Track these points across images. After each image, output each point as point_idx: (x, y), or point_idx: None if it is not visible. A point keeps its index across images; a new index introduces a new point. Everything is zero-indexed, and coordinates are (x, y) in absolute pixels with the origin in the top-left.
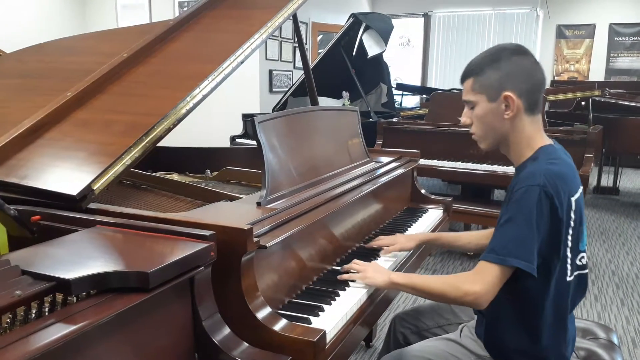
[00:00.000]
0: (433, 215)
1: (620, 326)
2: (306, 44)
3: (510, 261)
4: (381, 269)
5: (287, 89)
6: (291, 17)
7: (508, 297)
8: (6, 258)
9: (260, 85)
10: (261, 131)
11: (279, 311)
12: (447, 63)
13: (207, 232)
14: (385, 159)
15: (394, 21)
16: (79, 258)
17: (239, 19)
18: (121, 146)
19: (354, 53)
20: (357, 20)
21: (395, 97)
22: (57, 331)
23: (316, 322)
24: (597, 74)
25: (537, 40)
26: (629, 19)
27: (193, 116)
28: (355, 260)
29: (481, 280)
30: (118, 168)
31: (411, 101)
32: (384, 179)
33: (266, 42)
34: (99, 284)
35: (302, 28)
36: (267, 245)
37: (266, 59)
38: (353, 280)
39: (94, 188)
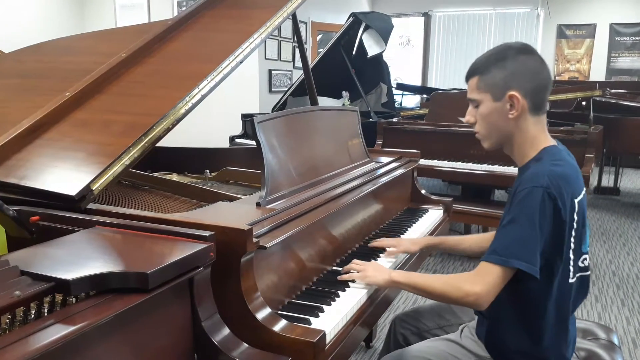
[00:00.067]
0: (433, 215)
1: (621, 327)
2: (306, 43)
3: (512, 262)
4: (381, 268)
5: (286, 89)
6: (291, 17)
7: (510, 298)
8: (5, 259)
9: (260, 85)
10: (261, 131)
11: (279, 312)
12: (447, 63)
13: (206, 233)
14: (385, 159)
15: (394, 21)
16: (78, 258)
17: (238, 18)
18: (120, 146)
19: (353, 53)
20: (356, 20)
21: (395, 97)
22: (57, 332)
23: (316, 323)
24: (597, 73)
25: (537, 40)
26: (630, 18)
27: (192, 116)
28: (355, 261)
29: (482, 281)
30: (117, 168)
31: (411, 101)
32: (384, 179)
33: (265, 42)
34: (98, 285)
35: (302, 27)
36: (267, 245)
37: (265, 58)
38: (353, 281)
39: (93, 188)
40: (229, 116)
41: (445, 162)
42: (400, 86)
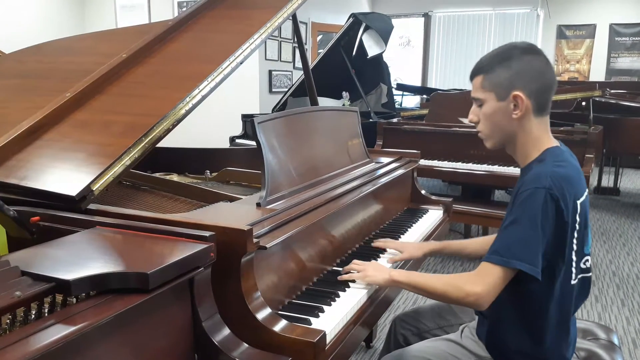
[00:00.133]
0: (433, 215)
1: (621, 327)
2: (306, 44)
3: (514, 263)
4: (381, 268)
5: (286, 89)
6: (291, 17)
7: (511, 299)
8: (6, 259)
9: (260, 86)
10: (261, 132)
11: (279, 312)
12: (447, 63)
13: (206, 233)
14: (385, 160)
15: (394, 21)
16: (78, 259)
17: (238, 19)
18: (120, 147)
19: (353, 53)
20: (357, 20)
21: (395, 97)
22: (57, 332)
23: (316, 323)
24: (597, 74)
25: (537, 41)
26: (630, 19)
27: (192, 117)
28: (355, 261)
29: (483, 282)
30: (117, 169)
31: (411, 101)
32: (384, 180)
33: (266, 42)
34: (98, 285)
35: (302, 28)
36: (267, 246)
37: (266, 59)
38: (353, 281)
39: (94, 189)
40: (229, 116)
41: (445, 162)
42: (400, 87)
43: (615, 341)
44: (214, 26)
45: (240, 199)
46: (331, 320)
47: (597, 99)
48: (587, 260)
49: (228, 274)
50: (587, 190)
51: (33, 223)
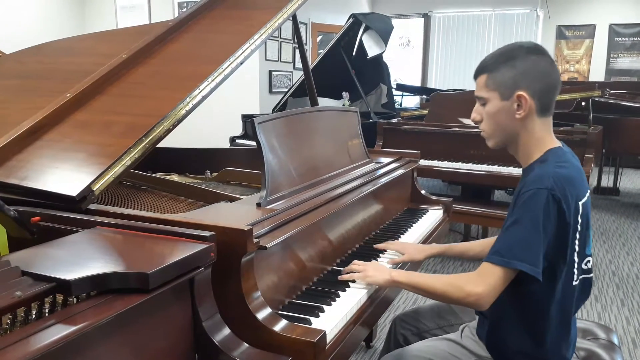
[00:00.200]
0: (433, 216)
1: (621, 326)
2: (306, 44)
3: (515, 264)
4: (382, 268)
5: (286, 90)
6: (291, 18)
7: (512, 299)
8: (6, 259)
9: (260, 86)
10: (261, 132)
11: (279, 312)
12: (447, 63)
13: (207, 233)
14: (385, 160)
15: (394, 21)
16: (79, 259)
17: (238, 19)
18: (121, 147)
19: (353, 54)
20: (356, 21)
21: (395, 97)
22: (57, 332)
23: (316, 323)
24: (597, 74)
25: (537, 41)
26: (629, 19)
27: (193, 117)
28: (356, 261)
29: (484, 282)
30: (118, 169)
31: (411, 102)
32: (384, 180)
33: (266, 43)
34: (99, 285)
35: (302, 29)
36: (267, 246)
37: (266, 59)
38: (353, 281)
39: (94, 189)
40: (230, 117)
41: (445, 162)
42: (400, 87)
43: (615, 341)
44: (214, 27)
45: (241, 199)
46: (331, 320)
47: (597, 99)
48: (589, 261)
49: (228, 274)
50: (588, 191)
51: (33, 223)
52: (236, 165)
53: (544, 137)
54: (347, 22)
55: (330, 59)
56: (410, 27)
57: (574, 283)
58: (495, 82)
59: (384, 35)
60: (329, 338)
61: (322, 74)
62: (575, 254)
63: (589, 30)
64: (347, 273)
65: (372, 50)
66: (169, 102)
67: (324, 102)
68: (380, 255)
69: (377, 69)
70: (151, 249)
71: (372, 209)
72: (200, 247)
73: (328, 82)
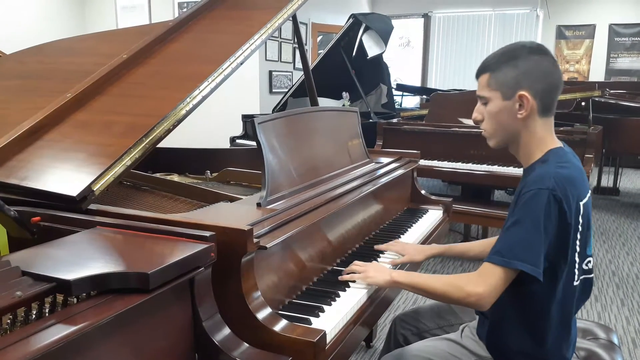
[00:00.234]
0: (433, 216)
1: (621, 326)
2: (306, 44)
3: (516, 264)
4: (382, 269)
5: (287, 90)
6: (291, 18)
7: (513, 299)
8: (6, 259)
9: (260, 86)
10: (261, 132)
11: (279, 312)
12: (447, 64)
13: (207, 233)
14: (385, 160)
15: (394, 22)
16: (79, 259)
17: (238, 19)
18: (121, 147)
19: (353, 54)
20: (356, 21)
21: (395, 97)
22: (58, 332)
23: (316, 323)
24: (597, 74)
25: (537, 41)
26: (629, 19)
27: (193, 117)
28: (356, 262)
29: (484, 282)
30: (118, 169)
31: (411, 102)
32: (384, 180)
33: (266, 43)
34: (99, 285)
35: (302, 29)
36: (267, 246)
37: (266, 59)
38: (353, 281)
39: (94, 189)
40: (230, 117)
41: (445, 162)
42: (400, 87)
43: (615, 341)
44: (215, 27)
45: (241, 199)
46: (331, 320)
47: (597, 99)
48: (589, 261)
49: (228, 274)
50: (589, 191)
51: (34, 223)
52: (236, 165)
53: (545, 137)
54: (347, 22)
55: (330, 59)
56: (410, 27)
57: (575, 283)
58: (498, 82)
59: (384, 35)
60: (329, 338)
61: (322, 74)
62: (576, 255)
63: (589, 30)
64: (347, 274)
65: (372, 50)
66: (169, 102)
67: (324, 102)
68: (380, 255)
69: (377, 69)
70: (151, 249)
71: (372, 209)
72: (200, 247)
73: (328, 82)
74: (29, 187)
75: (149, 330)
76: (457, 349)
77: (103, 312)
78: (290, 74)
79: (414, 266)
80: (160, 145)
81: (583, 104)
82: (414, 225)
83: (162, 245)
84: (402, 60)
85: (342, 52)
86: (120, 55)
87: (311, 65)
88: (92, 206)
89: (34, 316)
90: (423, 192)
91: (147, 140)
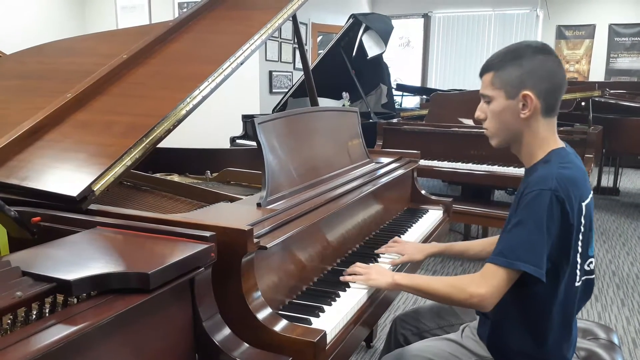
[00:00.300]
0: (433, 216)
1: (621, 326)
2: (306, 44)
3: (519, 265)
4: (384, 271)
5: (287, 90)
6: (291, 18)
7: (515, 300)
8: (7, 259)
9: (260, 86)
10: (261, 132)
11: (280, 312)
12: (447, 64)
13: (207, 233)
14: (385, 160)
15: (394, 22)
16: (79, 259)
17: (238, 20)
18: (121, 147)
19: (353, 54)
20: (356, 21)
21: (395, 97)
22: (58, 332)
23: (316, 323)
24: (597, 74)
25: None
26: (629, 19)
27: (193, 117)
28: (358, 264)
29: (487, 283)
30: (118, 169)
31: (411, 102)
32: (384, 180)
33: (266, 43)
34: (99, 285)
35: (302, 29)
36: (267, 246)
37: (266, 60)
38: (355, 282)
39: (94, 189)
40: (230, 117)
41: (445, 162)
42: (400, 87)
43: (615, 341)
44: (215, 27)
45: (241, 199)
46: (331, 320)
47: (597, 99)
48: (591, 262)
49: (228, 274)
50: (591, 192)
51: (34, 223)
52: (236, 165)
53: (547, 138)
54: (347, 22)
55: (330, 59)
56: (410, 27)
57: (577, 284)
58: (501, 81)
59: (384, 35)
60: (329, 338)
61: (322, 74)
62: (578, 255)
63: (589, 30)
64: (349, 275)
65: (372, 50)
66: (169, 102)
67: (324, 102)
68: (380, 255)
69: (377, 69)
70: (151, 249)
71: (372, 209)
72: (200, 247)
73: (328, 82)
74: (29, 187)
75: (149, 330)
76: (457, 349)
77: (103, 312)
78: (290, 74)
79: (414, 265)
80: (161, 145)
81: (583, 104)
82: (414, 225)
83: (163, 246)
84: (402, 60)
85: (342, 52)
86: (121, 55)
87: (311, 65)
88: (93, 206)
89: (34, 316)
90: (423, 192)
91: (148, 141)
